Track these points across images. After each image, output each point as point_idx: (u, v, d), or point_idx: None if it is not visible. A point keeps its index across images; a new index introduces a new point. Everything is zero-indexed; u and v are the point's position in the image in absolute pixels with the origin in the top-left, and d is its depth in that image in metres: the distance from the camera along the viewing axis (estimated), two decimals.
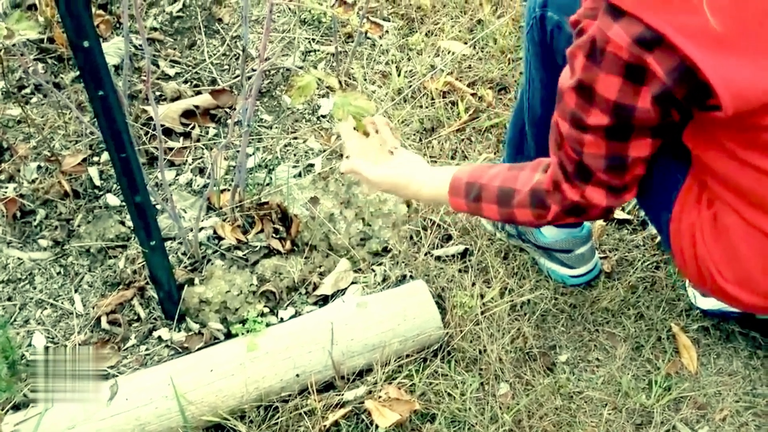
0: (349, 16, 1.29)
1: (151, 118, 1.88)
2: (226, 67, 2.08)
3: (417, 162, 1.39)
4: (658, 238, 1.78)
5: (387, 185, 1.37)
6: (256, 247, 1.71)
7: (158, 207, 1.75)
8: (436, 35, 2.19)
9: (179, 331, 1.58)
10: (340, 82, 1.71)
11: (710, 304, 1.62)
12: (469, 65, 2.12)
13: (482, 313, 1.62)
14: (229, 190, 1.77)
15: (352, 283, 1.68)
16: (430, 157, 1.90)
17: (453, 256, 1.74)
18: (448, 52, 2.14)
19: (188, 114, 1.95)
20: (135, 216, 1.41)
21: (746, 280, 1.25)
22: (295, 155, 1.90)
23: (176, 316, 1.58)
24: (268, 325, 1.56)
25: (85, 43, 1.17)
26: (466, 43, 2.16)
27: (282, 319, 1.61)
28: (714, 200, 1.25)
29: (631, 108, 1.09)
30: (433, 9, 2.24)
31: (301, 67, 2.06)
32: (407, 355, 1.55)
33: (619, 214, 1.83)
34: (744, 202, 1.20)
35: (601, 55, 1.06)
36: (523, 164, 1.32)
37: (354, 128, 1.32)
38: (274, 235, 1.74)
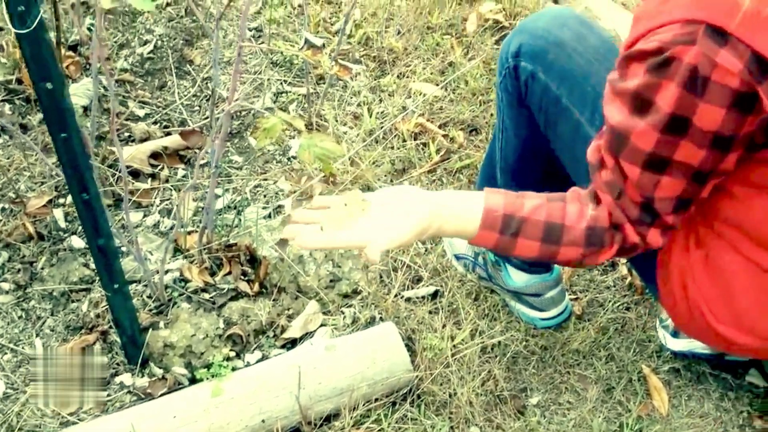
0: (320, 58, 1.28)
1: (118, 159, 1.87)
2: (197, 108, 2.07)
3: (416, 196, 1.15)
4: (629, 279, 1.77)
5: (411, 239, 1.13)
6: (224, 289, 1.69)
7: (123, 249, 1.73)
8: (407, 77, 2.20)
9: (142, 376, 1.55)
10: (307, 124, 1.70)
11: (681, 345, 1.61)
12: (441, 107, 2.13)
13: (453, 355, 1.60)
14: (196, 231, 1.75)
15: (321, 325, 1.66)
16: None
17: (423, 297, 1.73)
18: (420, 94, 2.14)
19: (157, 155, 1.93)
20: (98, 259, 1.39)
21: (741, 320, 1.25)
22: (265, 196, 1.89)
23: (139, 361, 1.54)
24: (234, 369, 1.53)
25: (48, 85, 1.15)
26: (437, 85, 2.17)
27: (248, 363, 1.58)
28: (705, 240, 1.24)
29: (730, 139, 1.02)
30: (405, 51, 2.26)
31: (270, 109, 2.06)
32: (376, 399, 1.52)
33: None
34: (747, 239, 1.20)
35: (704, 84, 0.97)
36: (561, 194, 1.19)
37: (320, 170, 1.33)
38: (242, 277, 1.71)
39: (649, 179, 1.08)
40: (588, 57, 1.34)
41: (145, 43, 2.19)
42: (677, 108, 1.00)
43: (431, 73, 2.20)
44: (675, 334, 1.62)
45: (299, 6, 2.34)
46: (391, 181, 1.94)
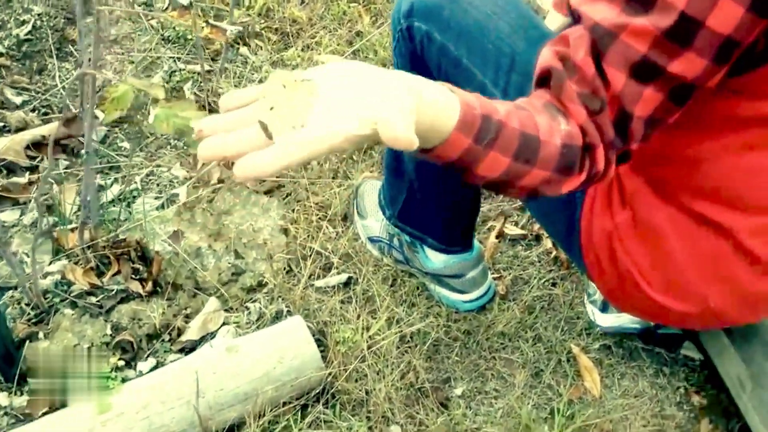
0: (187, 20, 1.12)
1: None
2: (80, 92, 1.88)
3: (375, 68, 0.77)
4: (554, 254, 1.66)
5: (413, 118, 0.74)
6: (112, 291, 1.52)
7: None
8: (312, 49, 2.04)
9: (20, 395, 1.38)
10: (167, 91, 1.53)
11: (610, 320, 1.51)
12: None
13: (368, 347, 1.47)
14: (85, 227, 1.57)
15: (223, 324, 1.51)
16: (309, 179, 1.75)
17: (335, 286, 1.59)
18: None
19: (37, 145, 1.74)
20: None
21: (678, 285, 1.13)
22: (158, 185, 1.72)
23: (16, 378, 1.37)
24: (123, 380, 1.37)
25: None
26: (344, 56, 2.02)
27: (141, 372, 1.42)
28: (633, 198, 1.13)
29: (734, 47, 0.86)
30: (309, 22, 2.10)
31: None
32: (285, 403, 1.38)
33: (512, 229, 1.71)
34: (683, 186, 1.07)
35: None
36: (525, 101, 0.91)
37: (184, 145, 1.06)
38: (132, 276, 1.55)
39: (633, 90, 0.87)
40: (485, 10, 1.21)
41: (23, 23, 1.99)
42: (689, 7, 0.82)
43: (338, 44, 2.05)
44: (604, 309, 1.51)
45: None
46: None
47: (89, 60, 1.28)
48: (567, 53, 0.89)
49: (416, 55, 1.28)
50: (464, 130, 0.80)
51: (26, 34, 1.97)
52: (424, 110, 0.75)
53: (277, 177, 1.76)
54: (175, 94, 1.89)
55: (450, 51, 1.23)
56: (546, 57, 0.91)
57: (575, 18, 0.92)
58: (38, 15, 2.00)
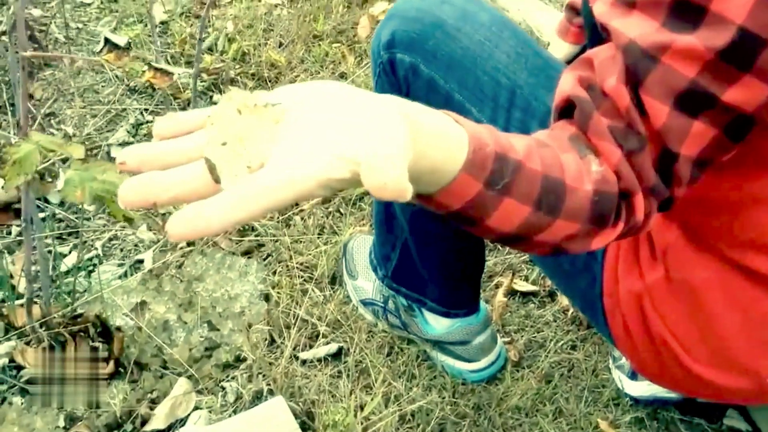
0: (124, 63, 0.95)
1: None
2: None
3: (361, 92, 0.57)
4: (571, 311, 1.47)
5: (410, 151, 0.55)
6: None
7: None
8: None
9: None
10: (88, 150, 1.36)
11: (641, 389, 1.31)
12: None
13: (363, 431, 1.27)
14: (35, 302, 1.38)
15: (195, 409, 1.30)
16: (291, 237, 1.56)
17: (323, 358, 1.39)
18: None
19: None
20: None
21: (723, 355, 0.94)
22: (121, 250, 1.53)
23: None
24: None
25: None
26: None
27: None
28: (665, 252, 0.94)
29: None
30: (289, 65, 1.94)
31: (125, 144, 1.70)
32: None
33: (522, 285, 1.51)
34: (731, 236, 0.89)
35: None
36: (547, 134, 0.73)
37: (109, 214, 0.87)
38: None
39: (679, 125, 0.69)
40: (477, 38, 1.04)
41: None
42: (752, 20, 0.65)
43: None
44: (634, 376, 1.32)
45: (162, 23, 2.00)
46: (278, 217, 1.60)
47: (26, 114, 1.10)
48: (592, 79, 0.70)
49: (400, 92, 1.11)
50: (473, 172, 0.62)
51: None
52: (422, 147, 0.57)
53: (255, 235, 1.57)
54: None
55: (439, 85, 1.05)
56: (567, 84, 0.73)
57: (600, 35, 0.74)
58: None
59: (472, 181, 0.62)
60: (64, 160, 1.49)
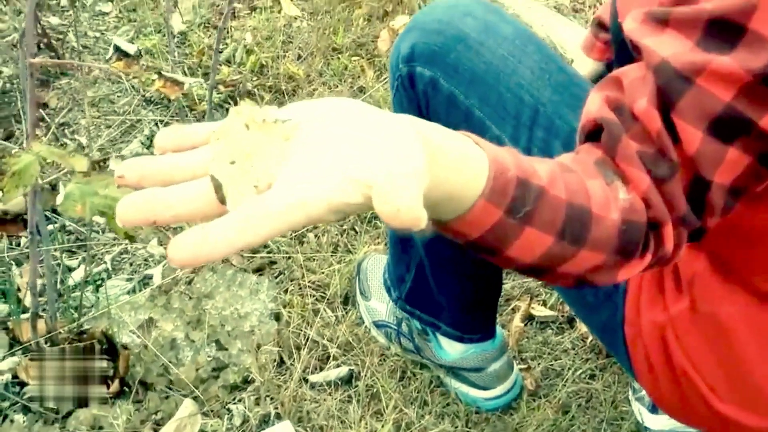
0: (134, 71, 0.92)
1: None
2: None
3: (375, 110, 0.53)
4: (590, 339, 1.42)
5: (426, 175, 0.51)
6: (72, 391, 1.29)
7: None
8: None
9: None
10: (93, 163, 1.33)
11: (662, 423, 1.26)
12: None
13: None
14: (43, 317, 1.35)
15: (200, 431, 1.27)
16: (304, 255, 1.52)
17: (333, 382, 1.35)
18: None
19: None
20: None
21: (752, 395, 0.90)
22: (130, 265, 1.50)
23: None
24: None
25: None
26: None
27: None
28: (692, 283, 0.89)
29: None
30: (308, 78, 1.90)
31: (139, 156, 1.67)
32: None
33: (540, 310, 1.47)
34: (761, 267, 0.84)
35: None
36: (571, 158, 0.69)
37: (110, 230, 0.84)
38: None
39: (713, 151, 0.65)
40: (501, 52, 1.00)
41: None
42: None
43: None
44: (654, 409, 1.27)
45: (180, 34, 1.97)
46: (292, 235, 1.57)
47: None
48: (621, 100, 0.66)
49: (419, 107, 1.07)
50: (494, 199, 0.58)
51: None
52: (440, 171, 0.53)
53: (268, 252, 1.54)
54: None
55: (459, 101, 1.02)
56: (594, 105, 0.69)
57: (628, 52, 0.70)
58: (8, 77, 1.82)
59: (491, 208, 0.59)
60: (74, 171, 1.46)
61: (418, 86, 1.05)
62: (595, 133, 0.69)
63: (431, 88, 1.04)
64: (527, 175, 0.61)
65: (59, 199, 1.43)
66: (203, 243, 0.45)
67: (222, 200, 0.49)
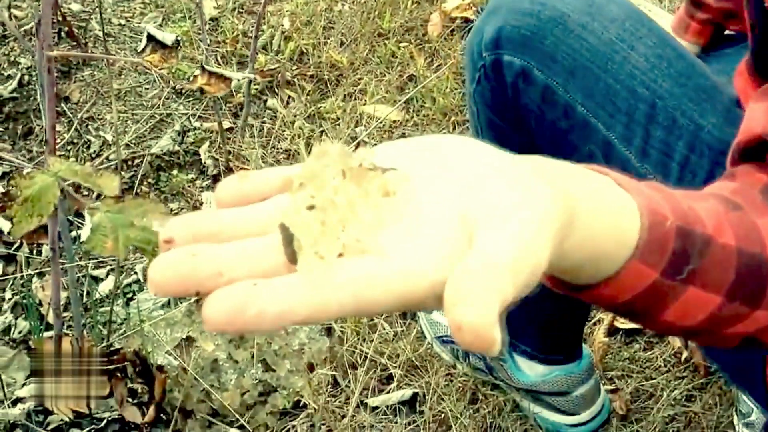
0: (172, 64, 0.77)
1: None
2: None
3: (505, 157, 0.40)
4: (685, 354, 1.25)
5: (545, 257, 0.37)
6: (102, 420, 1.15)
7: None
8: (356, 98, 1.69)
9: None
10: (124, 187, 1.16)
11: None
12: (403, 133, 1.62)
13: None
14: (68, 335, 1.21)
15: None
16: None
17: (395, 406, 1.20)
18: (374, 119, 1.63)
19: None
20: None
21: None
22: None
23: None
24: None
25: None
26: (395, 106, 1.65)
27: None
28: None
29: None
30: (351, 66, 1.74)
31: (174, 153, 1.53)
32: None
33: (625, 322, 1.30)
34: None
35: None
36: (733, 189, 0.55)
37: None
38: (129, 399, 1.18)
39: None
40: (608, 36, 0.85)
41: (8, 79, 1.66)
42: None
43: (387, 92, 1.69)
44: None
45: (212, 20, 1.82)
46: None
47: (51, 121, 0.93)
48: None
49: (507, 102, 0.91)
50: (649, 258, 0.46)
51: (11, 92, 1.64)
52: (579, 231, 0.41)
53: None
54: (189, 158, 1.54)
55: (558, 94, 0.86)
56: (759, 117, 0.55)
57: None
58: (26, 69, 1.68)
59: (645, 270, 0.46)
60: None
61: (506, 77, 0.88)
62: (754, 151, 0.54)
63: (522, 79, 0.87)
64: (689, 222, 0.47)
65: (84, 234, 1.27)
66: (251, 306, 0.33)
67: (291, 258, 0.36)
